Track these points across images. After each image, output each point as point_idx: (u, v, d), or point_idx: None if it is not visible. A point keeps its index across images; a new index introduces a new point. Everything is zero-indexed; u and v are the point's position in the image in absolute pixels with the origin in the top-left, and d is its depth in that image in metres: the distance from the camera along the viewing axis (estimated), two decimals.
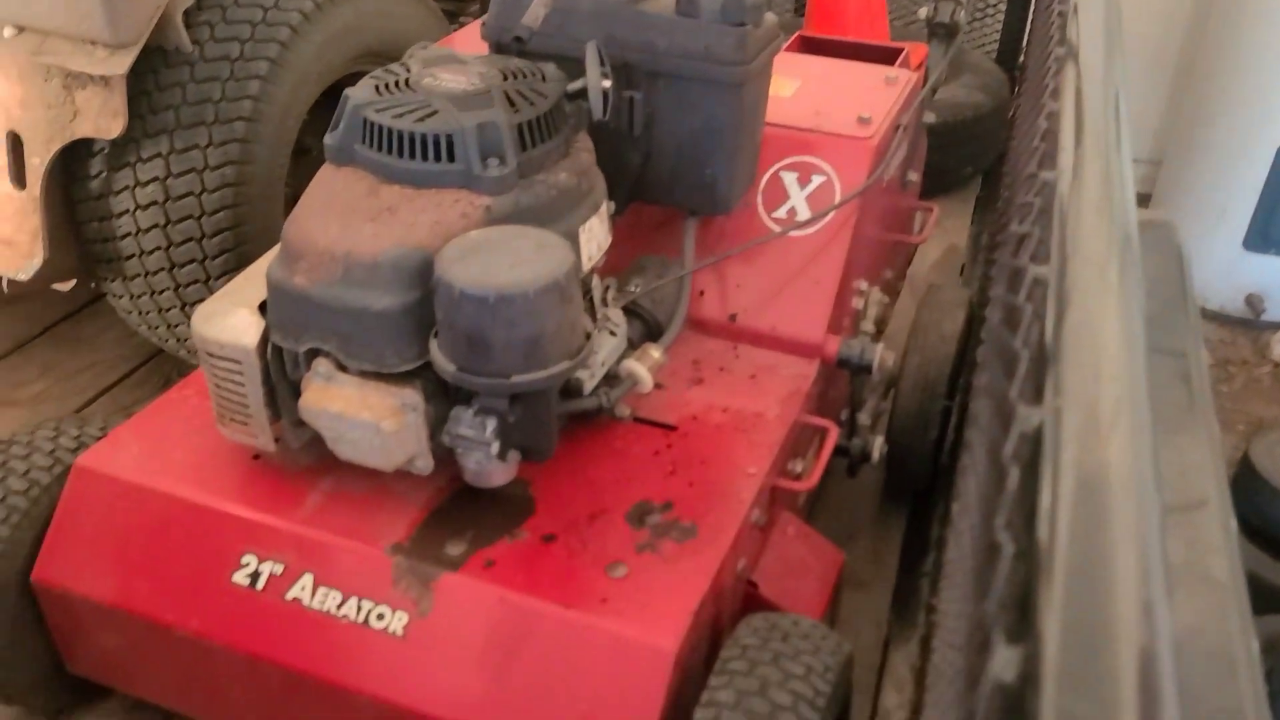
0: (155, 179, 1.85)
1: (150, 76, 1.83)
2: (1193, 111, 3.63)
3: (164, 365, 2.40)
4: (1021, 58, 3.69)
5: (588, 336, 1.30)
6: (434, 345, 1.25)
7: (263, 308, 1.33)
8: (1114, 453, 0.69)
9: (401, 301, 1.24)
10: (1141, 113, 4.09)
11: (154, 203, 1.86)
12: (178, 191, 1.85)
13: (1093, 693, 0.52)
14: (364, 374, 1.29)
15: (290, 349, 1.30)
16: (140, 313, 2.02)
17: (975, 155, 3.37)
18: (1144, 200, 4.13)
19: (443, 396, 1.32)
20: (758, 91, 1.58)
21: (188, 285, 1.92)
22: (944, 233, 3.23)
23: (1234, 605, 1.01)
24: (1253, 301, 3.65)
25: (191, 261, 1.90)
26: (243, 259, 1.91)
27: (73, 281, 2.06)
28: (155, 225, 1.87)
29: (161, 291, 1.94)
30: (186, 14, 1.83)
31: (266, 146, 1.91)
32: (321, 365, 1.29)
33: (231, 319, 1.33)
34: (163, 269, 1.91)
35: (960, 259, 3.19)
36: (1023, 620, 0.59)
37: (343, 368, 1.29)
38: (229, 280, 1.79)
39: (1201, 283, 3.64)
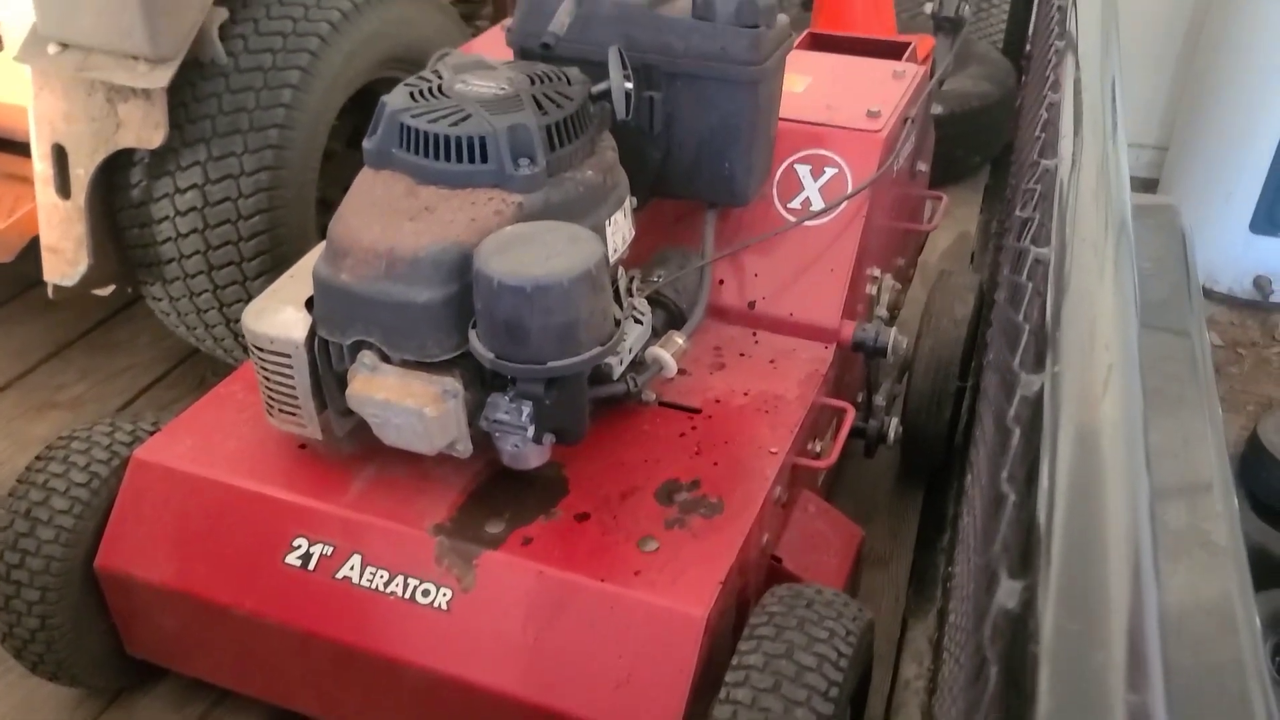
0: (194, 186, 1.93)
1: (188, 88, 1.92)
2: (1197, 97, 3.68)
3: (198, 366, 2.48)
4: (1027, 47, 3.76)
5: (617, 324, 1.37)
6: (473, 335, 1.33)
7: (309, 304, 1.41)
8: (1107, 411, 0.76)
9: (442, 294, 1.32)
10: (1147, 98, 4.13)
11: (193, 208, 1.94)
12: (215, 197, 1.93)
13: (1085, 612, 0.59)
14: (406, 364, 1.37)
15: (336, 342, 1.38)
16: (179, 314, 2.10)
17: (983, 144, 3.43)
18: (1151, 185, 4.17)
19: (480, 384, 1.40)
20: (772, 89, 1.65)
21: (226, 287, 2.00)
22: (954, 221, 3.29)
23: (1234, 568, 1.08)
24: (1261, 283, 3.70)
25: (229, 264, 1.98)
26: (278, 261, 1.99)
27: (112, 287, 2.15)
28: (194, 230, 1.95)
29: (200, 294, 2.02)
30: (221, 27, 1.91)
31: (298, 152, 1.99)
32: (366, 356, 1.37)
33: (280, 315, 1.41)
34: (201, 272, 1.99)
35: (970, 246, 3.26)
36: (1024, 558, 0.67)
37: (386, 358, 1.37)
38: (265, 282, 1.88)
39: (1209, 265, 3.69)
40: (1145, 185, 4.23)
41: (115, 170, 1.97)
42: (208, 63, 1.92)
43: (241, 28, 1.95)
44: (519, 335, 1.27)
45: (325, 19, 2.00)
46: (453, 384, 1.35)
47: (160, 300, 2.11)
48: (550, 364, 1.29)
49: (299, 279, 1.46)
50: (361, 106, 2.11)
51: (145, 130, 1.86)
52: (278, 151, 1.95)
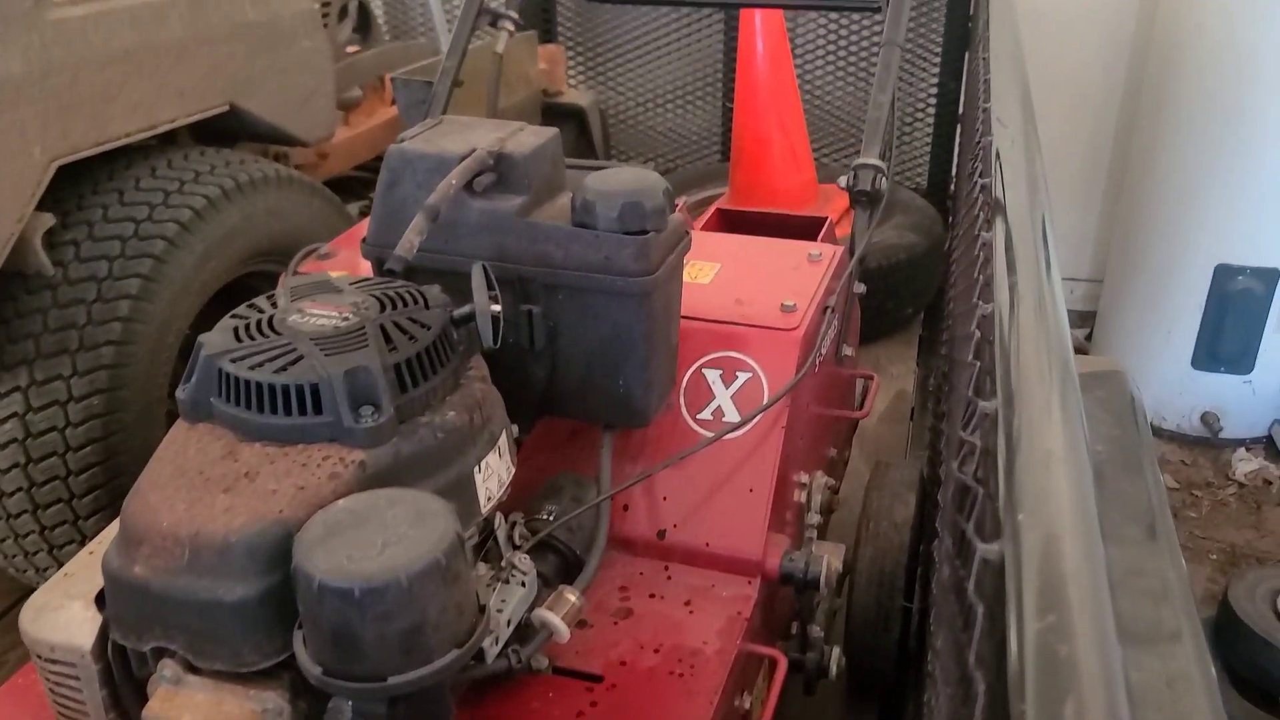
0: (14, 415, 1.67)
1: (9, 304, 1.67)
2: (1127, 234, 3.61)
3: None
4: (952, 187, 3.67)
5: (482, 610, 1.12)
6: (298, 639, 1.06)
7: (100, 599, 1.14)
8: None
9: (258, 589, 1.06)
10: (1077, 233, 4.08)
11: (13, 440, 1.67)
12: (39, 428, 1.66)
13: None
14: (219, 674, 1.09)
15: (133, 647, 1.11)
16: (5, 556, 1.80)
17: (914, 295, 3.29)
18: (1088, 318, 4.07)
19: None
20: (667, 296, 1.45)
21: (54, 527, 1.72)
22: (890, 379, 3.12)
23: None
24: (1208, 420, 3.56)
25: (57, 502, 1.70)
26: (116, 495, 1.72)
27: None
28: (15, 465, 1.68)
29: (26, 535, 1.73)
30: (49, 234, 1.68)
31: (141, 368, 1.74)
32: (168, 667, 1.09)
33: (64, 615, 1.14)
34: (25, 511, 1.71)
35: (909, 403, 3.08)
36: None
37: (195, 668, 1.10)
38: (102, 520, 1.60)
39: (1155, 402, 3.56)
40: (1082, 319, 4.13)
41: None
42: (31, 275, 1.68)
43: (73, 233, 1.72)
44: (349, 647, 1.01)
45: (173, 219, 1.78)
46: (275, 700, 1.08)
47: None
48: (391, 680, 1.02)
49: (92, 564, 1.19)
50: (232, 303, 1.88)
51: None
52: (114, 371, 1.70)
